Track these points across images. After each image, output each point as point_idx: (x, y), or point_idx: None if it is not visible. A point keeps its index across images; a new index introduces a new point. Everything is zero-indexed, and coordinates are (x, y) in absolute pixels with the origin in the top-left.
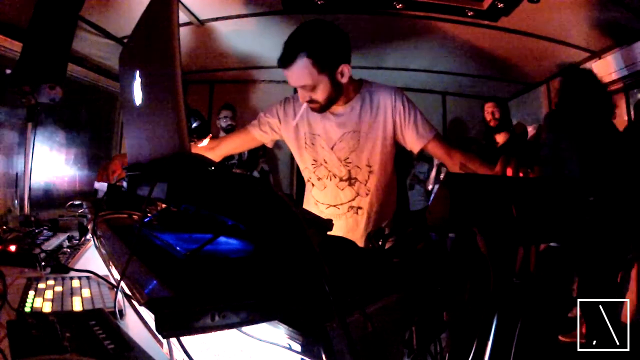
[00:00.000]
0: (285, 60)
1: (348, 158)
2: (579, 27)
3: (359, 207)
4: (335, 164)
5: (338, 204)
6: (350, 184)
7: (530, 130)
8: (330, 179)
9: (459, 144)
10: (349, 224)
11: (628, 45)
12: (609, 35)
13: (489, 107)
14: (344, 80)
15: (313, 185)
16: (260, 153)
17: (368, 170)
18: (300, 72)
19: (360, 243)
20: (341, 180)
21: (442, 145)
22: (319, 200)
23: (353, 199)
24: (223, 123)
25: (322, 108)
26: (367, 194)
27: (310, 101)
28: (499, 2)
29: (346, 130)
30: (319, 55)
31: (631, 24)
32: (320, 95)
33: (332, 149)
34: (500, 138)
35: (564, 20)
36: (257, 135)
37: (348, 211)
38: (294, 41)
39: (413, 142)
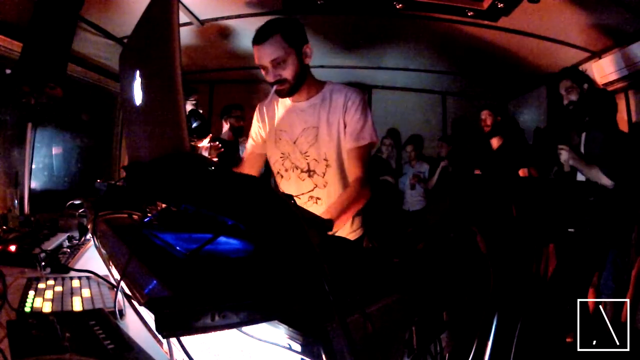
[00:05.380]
0: (260, 38)
1: (307, 151)
2: (579, 27)
3: (318, 198)
4: (297, 157)
5: (299, 194)
6: (310, 176)
7: None
8: (293, 170)
9: (457, 144)
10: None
11: (628, 45)
12: (609, 35)
13: (482, 115)
14: (308, 60)
15: (282, 177)
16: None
17: (325, 164)
18: (273, 46)
19: None
20: (302, 171)
21: (355, 159)
22: (285, 191)
23: (312, 190)
24: (235, 122)
25: (290, 89)
26: (324, 186)
27: (279, 81)
28: (499, 2)
29: (306, 126)
30: (288, 33)
31: (631, 24)
32: (289, 72)
33: (294, 143)
34: (494, 142)
35: (564, 20)
36: (257, 147)
37: (308, 200)
38: (268, 24)
39: (355, 139)
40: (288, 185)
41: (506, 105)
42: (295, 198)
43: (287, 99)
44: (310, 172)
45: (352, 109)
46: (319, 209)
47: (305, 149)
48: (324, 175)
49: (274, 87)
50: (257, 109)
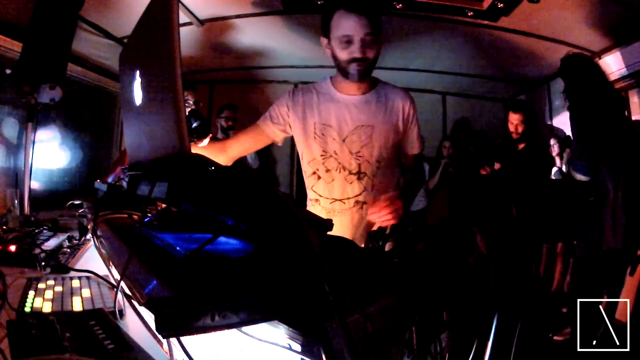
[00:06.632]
0: (361, 8)
1: (359, 152)
2: (579, 27)
3: (364, 202)
4: (345, 157)
5: (345, 198)
6: (359, 178)
7: None
8: (340, 172)
9: (459, 145)
10: (354, 219)
11: (628, 45)
12: (609, 35)
13: (513, 119)
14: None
15: (319, 178)
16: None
17: (377, 166)
18: (372, 21)
19: (364, 239)
20: (350, 173)
21: (414, 161)
22: (322, 194)
23: (360, 194)
24: (224, 123)
25: (366, 69)
26: (373, 188)
27: (361, 59)
28: (499, 2)
29: (360, 124)
30: (376, 18)
31: (631, 24)
32: (373, 51)
33: (343, 141)
34: (520, 143)
35: (564, 20)
36: (269, 130)
37: (354, 206)
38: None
39: (411, 147)
40: (329, 187)
41: (530, 113)
42: (340, 202)
43: (335, 90)
44: (360, 174)
45: (412, 118)
46: (364, 215)
47: (356, 148)
48: (374, 177)
49: (352, 65)
50: (288, 93)
